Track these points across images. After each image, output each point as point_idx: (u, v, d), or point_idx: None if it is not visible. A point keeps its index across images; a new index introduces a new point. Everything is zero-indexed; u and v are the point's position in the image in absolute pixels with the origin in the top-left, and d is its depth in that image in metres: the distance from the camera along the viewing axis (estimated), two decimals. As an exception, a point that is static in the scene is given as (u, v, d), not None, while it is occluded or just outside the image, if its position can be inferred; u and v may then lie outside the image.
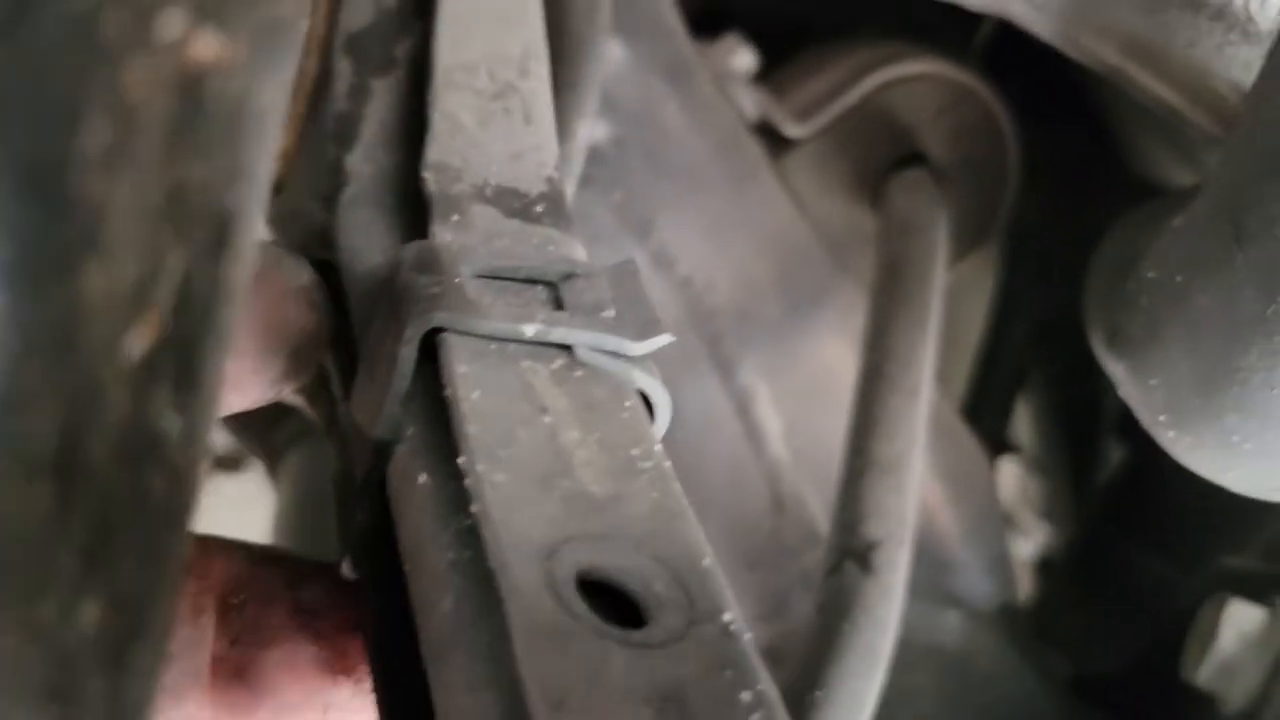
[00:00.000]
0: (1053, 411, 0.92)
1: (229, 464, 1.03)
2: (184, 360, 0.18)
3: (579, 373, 0.33)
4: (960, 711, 0.67)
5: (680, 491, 0.30)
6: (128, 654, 0.19)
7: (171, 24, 0.16)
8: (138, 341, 0.17)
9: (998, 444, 0.89)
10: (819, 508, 0.67)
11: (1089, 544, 0.83)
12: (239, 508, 0.88)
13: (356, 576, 0.35)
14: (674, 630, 0.27)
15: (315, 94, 0.48)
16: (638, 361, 0.34)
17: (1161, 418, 0.40)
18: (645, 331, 0.34)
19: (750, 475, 0.66)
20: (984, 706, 0.67)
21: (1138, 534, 0.75)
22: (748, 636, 0.27)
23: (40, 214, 0.16)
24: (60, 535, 0.17)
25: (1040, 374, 0.91)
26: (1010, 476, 0.95)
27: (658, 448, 0.32)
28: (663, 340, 0.34)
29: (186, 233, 0.18)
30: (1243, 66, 0.45)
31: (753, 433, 0.66)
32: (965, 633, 0.68)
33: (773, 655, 0.64)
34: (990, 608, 0.70)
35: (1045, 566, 0.87)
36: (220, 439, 0.95)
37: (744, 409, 0.66)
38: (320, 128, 0.47)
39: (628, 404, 0.33)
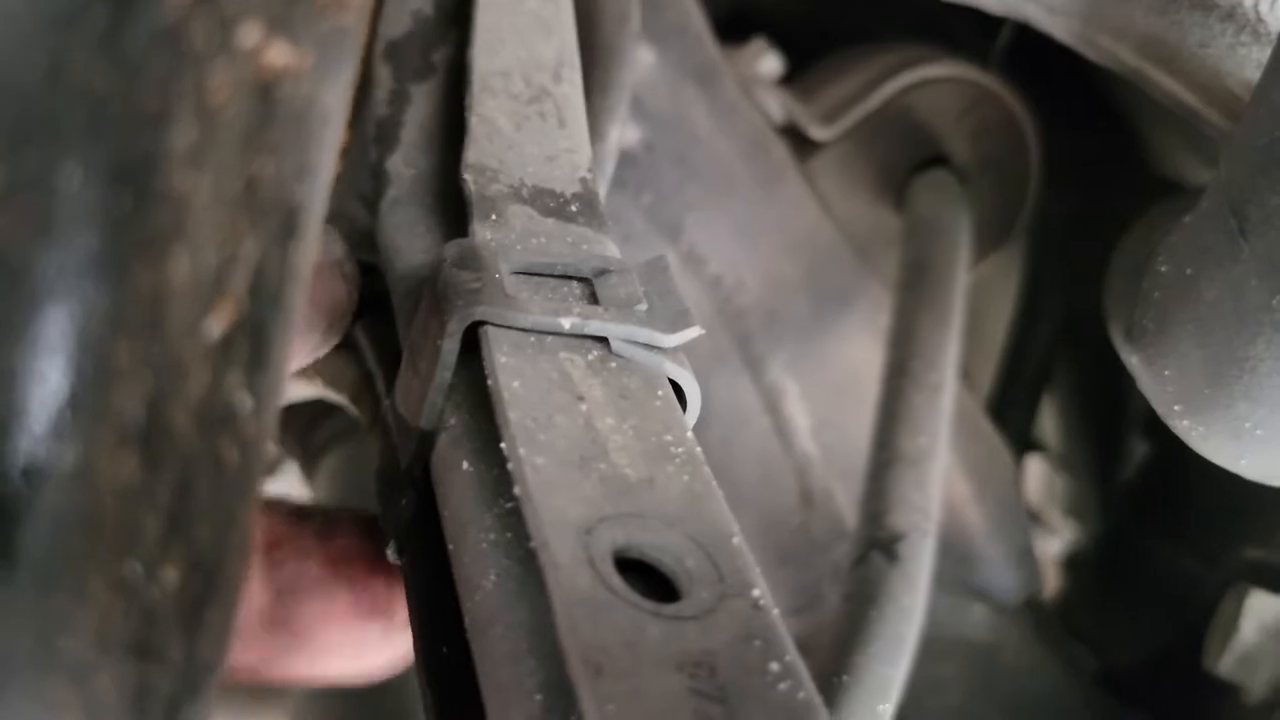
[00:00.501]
0: (1078, 409, 0.93)
1: (270, 466, 1.05)
2: (256, 340, 0.20)
3: (614, 363, 0.34)
4: (986, 702, 0.68)
5: (710, 475, 0.32)
6: (203, 613, 0.21)
7: (250, 34, 0.18)
8: (216, 323, 0.19)
9: (1023, 442, 0.90)
10: (847, 502, 0.68)
11: (1114, 539, 0.84)
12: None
13: (401, 561, 0.36)
14: (705, 603, 0.28)
15: (356, 100, 0.50)
16: (669, 353, 0.35)
17: (1176, 407, 0.42)
18: (676, 324, 0.35)
19: (780, 470, 0.68)
20: (1010, 697, 0.68)
21: (1161, 528, 0.76)
22: (776, 611, 0.29)
23: (131, 206, 0.17)
24: (146, 499, 0.19)
25: (1065, 372, 0.92)
26: (1036, 474, 0.96)
27: (689, 434, 0.33)
28: (693, 332, 0.35)
29: (260, 223, 0.19)
30: (1255, 66, 0.46)
31: (782, 429, 0.67)
32: (991, 625, 0.69)
33: (803, 648, 0.65)
34: (1015, 601, 0.71)
35: (1071, 562, 0.88)
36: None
37: (773, 405, 0.67)
38: (361, 132, 0.49)
39: (660, 393, 0.34)
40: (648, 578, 0.29)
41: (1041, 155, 0.71)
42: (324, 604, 0.39)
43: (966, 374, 0.83)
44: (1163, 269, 0.41)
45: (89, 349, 0.18)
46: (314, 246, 0.21)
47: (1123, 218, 0.58)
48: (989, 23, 0.61)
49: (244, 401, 0.20)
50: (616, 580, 0.27)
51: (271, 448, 1.01)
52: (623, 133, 0.60)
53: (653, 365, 0.35)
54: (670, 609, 0.27)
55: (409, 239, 0.42)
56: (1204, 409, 0.40)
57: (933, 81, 0.68)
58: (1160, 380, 0.42)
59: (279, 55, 0.19)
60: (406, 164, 0.44)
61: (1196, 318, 0.39)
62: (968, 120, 0.69)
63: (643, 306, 0.36)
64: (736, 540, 0.30)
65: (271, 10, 0.18)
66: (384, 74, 0.47)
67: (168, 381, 0.19)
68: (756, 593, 0.29)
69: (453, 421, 0.34)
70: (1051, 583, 0.86)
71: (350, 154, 0.50)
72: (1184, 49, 0.51)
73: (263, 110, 0.19)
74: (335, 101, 0.20)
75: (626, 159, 0.63)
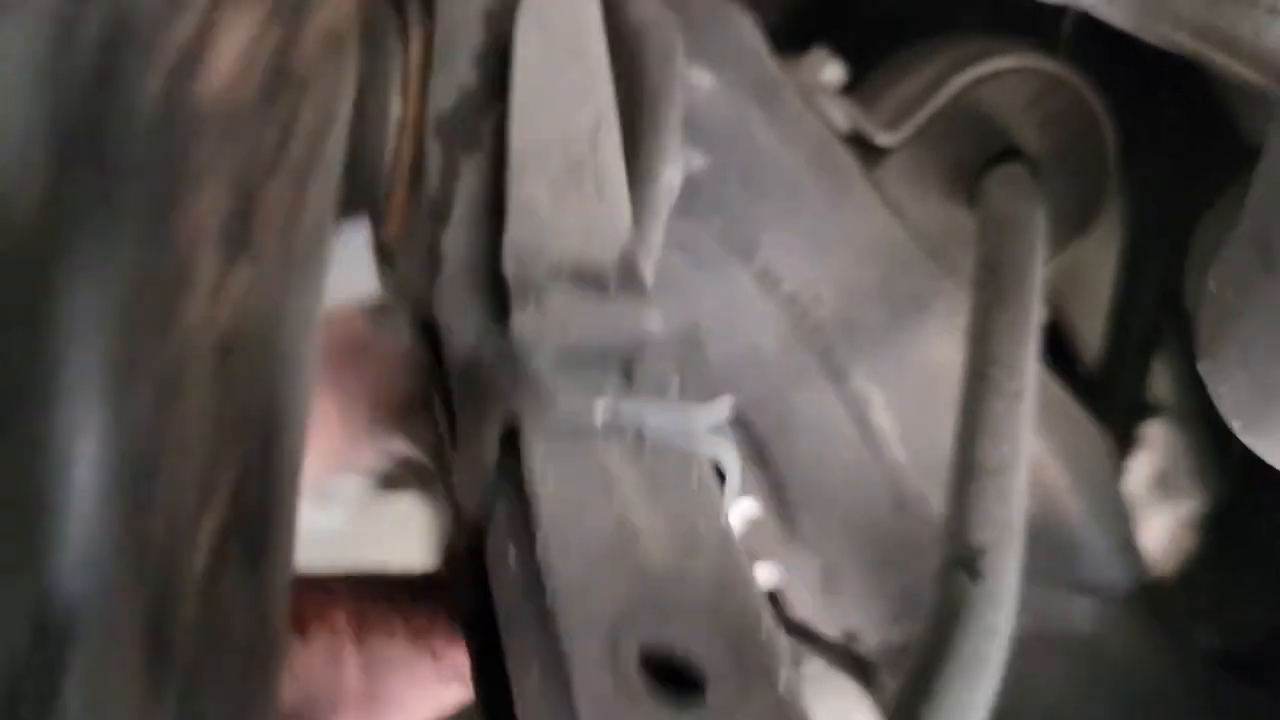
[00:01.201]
0: (1191, 372, 0.91)
1: (392, 482, 1.08)
2: (252, 537, 0.22)
3: (649, 448, 0.36)
4: (1093, 698, 0.67)
5: (743, 561, 0.33)
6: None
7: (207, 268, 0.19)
8: (208, 526, 0.21)
9: (1137, 408, 0.88)
10: (941, 506, 0.68)
11: (1236, 507, 0.82)
12: (401, 528, 0.93)
13: (467, 645, 0.38)
14: (730, 698, 0.29)
15: (414, 176, 0.52)
16: (704, 433, 0.36)
17: (1235, 423, 0.41)
18: (708, 399, 0.36)
19: (871, 479, 0.68)
20: (1117, 692, 0.67)
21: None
22: (803, 700, 0.30)
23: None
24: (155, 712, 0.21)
25: (1175, 335, 0.90)
26: (1154, 441, 0.93)
27: (723, 519, 0.34)
28: (723, 410, 0.36)
29: (240, 438, 0.21)
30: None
31: (870, 438, 0.67)
32: (1095, 618, 0.68)
33: (905, 655, 0.65)
34: (1120, 591, 0.70)
35: (1192, 531, 0.86)
36: (379, 460, 1.00)
37: (860, 416, 0.67)
38: (419, 208, 0.50)
39: (696, 475, 0.35)
40: (676, 672, 0.30)
41: (1117, 138, 0.69)
42: (409, 675, 0.41)
43: (1074, 336, 0.82)
44: (1211, 289, 0.41)
45: None
46: (301, 449, 0.23)
47: (1216, 181, 0.57)
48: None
49: (240, 599, 0.22)
50: (638, 685, 0.29)
51: (393, 469, 1.05)
52: (688, 159, 0.61)
53: (688, 445, 0.36)
54: (694, 712, 0.29)
55: (461, 319, 0.43)
56: (1259, 429, 0.40)
57: (997, 74, 0.67)
58: (1218, 396, 0.42)
59: (240, 283, 0.20)
60: (457, 242, 0.46)
61: (1240, 342, 0.38)
62: (1036, 110, 0.67)
63: (676, 386, 0.37)
64: (765, 628, 0.31)
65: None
66: (435, 149, 0.49)
67: (165, 591, 0.21)
68: (783, 683, 0.30)
69: (500, 511, 0.36)
70: (1171, 553, 0.84)
71: (411, 230, 0.52)
72: (1240, 36, 0.50)
73: (230, 343, 0.20)
74: (300, 319, 0.22)
75: (691, 185, 0.64)
